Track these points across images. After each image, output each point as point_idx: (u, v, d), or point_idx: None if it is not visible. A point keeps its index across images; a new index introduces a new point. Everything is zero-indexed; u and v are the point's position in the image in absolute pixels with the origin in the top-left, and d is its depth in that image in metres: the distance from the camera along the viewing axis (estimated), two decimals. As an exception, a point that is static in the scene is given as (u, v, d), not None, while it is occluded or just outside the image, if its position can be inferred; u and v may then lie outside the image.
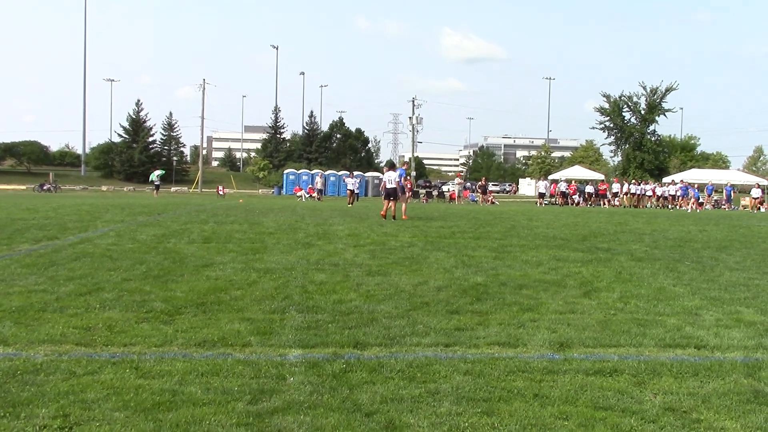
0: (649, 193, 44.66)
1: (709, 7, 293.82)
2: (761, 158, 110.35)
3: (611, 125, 76.01)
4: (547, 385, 4.49)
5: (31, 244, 11.71)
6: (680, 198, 42.33)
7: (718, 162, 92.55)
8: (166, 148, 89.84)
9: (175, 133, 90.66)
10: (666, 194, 43.56)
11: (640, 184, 45.66)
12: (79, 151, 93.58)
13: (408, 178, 42.46)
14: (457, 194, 46.62)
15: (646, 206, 43.12)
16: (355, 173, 43.98)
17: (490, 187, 50.75)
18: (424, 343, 5.49)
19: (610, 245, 13.56)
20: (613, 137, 77.18)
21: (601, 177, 55.28)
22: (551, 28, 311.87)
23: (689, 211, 37.25)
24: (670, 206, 42.46)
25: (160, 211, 23.48)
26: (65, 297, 7.01)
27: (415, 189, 48.33)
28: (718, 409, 4.12)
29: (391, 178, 21.16)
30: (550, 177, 56.39)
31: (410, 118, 75.62)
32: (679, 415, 4.03)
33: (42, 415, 3.79)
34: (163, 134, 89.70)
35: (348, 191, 36.55)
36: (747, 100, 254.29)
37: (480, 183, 47.91)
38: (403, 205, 21.63)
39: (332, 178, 64.69)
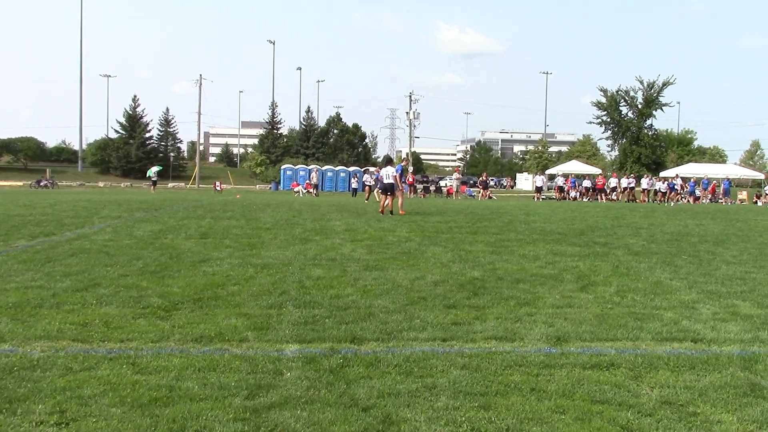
0: (644, 186, 44.76)
1: None
2: (758, 152, 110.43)
3: (608, 120, 76.13)
4: (544, 379, 4.49)
5: (27, 241, 11.69)
6: (671, 193, 42.46)
7: (715, 156, 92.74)
8: (163, 143, 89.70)
9: (171, 129, 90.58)
10: (661, 189, 43.69)
11: (637, 179, 45.74)
12: (76, 147, 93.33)
13: (410, 172, 42.49)
14: (455, 189, 46.63)
15: (645, 201, 43.18)
16: (352, 168, 43.92)
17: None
18: (421, 337, 5.49)
19: (607, 239, 13.57)
20: (610, 132, 77.33)
21: (599, 171, 55.32)
22: (548, 22, 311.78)
23: (673, 204, 37.45)
24: (659, 201, 42.59)
25: (157, 207, 23.45)
26: (62, 293, 7.00)
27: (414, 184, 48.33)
28: (715, 403, 4.12)
29: (388, 174, 21.15)
30: (548, 171, 56.40)
31: (407, 113, 75.60)
32: (676, 408, 4.03)
33: (39, 411, 3.78)
34: (160, 130, 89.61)
35: (367, 187, 36.59)
36: (744, 94, 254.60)
37: (481, 178, 47.93)
38: (400, 199, 21.61)
39: (329, 174, 64.63)
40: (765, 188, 45.43)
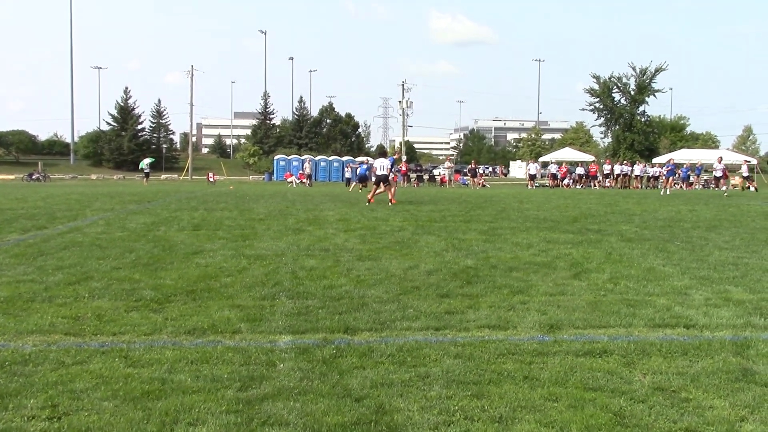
0: (637, 172, 44.89)
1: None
2: (750, 137, 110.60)
3: (601, 106, 76.17)
4: (537, 367, 4.50)
5: (19, 234, 11.63)
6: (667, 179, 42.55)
7: (708, 142, 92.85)
8: (155, 135, 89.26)
9: (164, 121, 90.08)
10: (653, 174, 43.81)
11: (633, 165, 45.85)
12: (68, 140, 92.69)
13: (403, 161, 42.45)
14: (447, 178, 46.63)
15: (638, 187, 43.29)
16: (345, 158, 43.90)
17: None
18: (415, 327, 5.49)
19: (600, 226, 13.59)
20: (603, 118, 77.36)
21: (592, 158, 55.37)
22: (541, 9, 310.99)
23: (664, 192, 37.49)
24: (652, 186, 42.68)
25: (150, 199, 23.37)
26: (54, 287, 6.97)
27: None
28: (707, 388, 4.14)
29: (382, 165, 21.12)
30: (541, 159, 56.44)
31: (400, 102, 75.34)
32: (668, 394, 4.04)
33: (30, 406, 3.77)
34: (152, 122, 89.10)
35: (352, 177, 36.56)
36: (737, 80, 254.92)
37: (470, 166, 47.99)
38: (392, 188, 21.59)
39: (322, 164, 64.53)
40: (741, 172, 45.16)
